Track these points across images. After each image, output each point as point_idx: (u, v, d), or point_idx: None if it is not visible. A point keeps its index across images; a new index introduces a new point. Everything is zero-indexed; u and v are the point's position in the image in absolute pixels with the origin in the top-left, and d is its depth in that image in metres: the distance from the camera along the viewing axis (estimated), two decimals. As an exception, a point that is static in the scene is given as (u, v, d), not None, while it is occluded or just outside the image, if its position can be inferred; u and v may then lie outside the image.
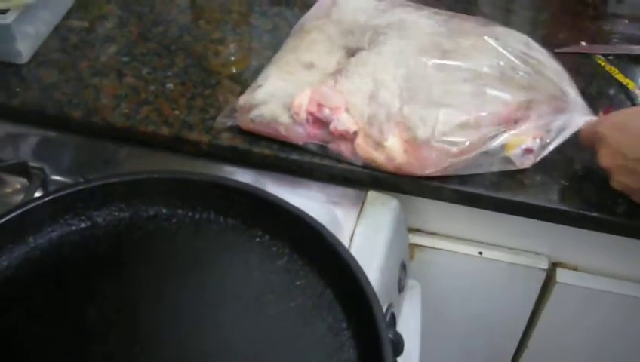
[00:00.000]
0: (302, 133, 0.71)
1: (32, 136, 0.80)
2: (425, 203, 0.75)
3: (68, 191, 0.63)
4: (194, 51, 0.86)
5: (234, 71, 0.83)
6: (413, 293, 0.82)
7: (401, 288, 0.74)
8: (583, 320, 0.85)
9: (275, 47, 0.84)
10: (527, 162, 0.70)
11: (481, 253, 0.80)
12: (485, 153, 0.69)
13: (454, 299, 0.87)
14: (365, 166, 0.71)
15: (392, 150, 0.68)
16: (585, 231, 0.73)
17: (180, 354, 0.55)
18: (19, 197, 0.71)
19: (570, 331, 0.87)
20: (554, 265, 0.81)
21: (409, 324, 0.79)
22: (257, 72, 0.80)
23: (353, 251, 0.67)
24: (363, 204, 0.72)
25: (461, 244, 0.81)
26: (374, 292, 0.54)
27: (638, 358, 0.88)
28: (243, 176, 0.75)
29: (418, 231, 0.82)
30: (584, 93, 0.75)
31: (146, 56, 0.85)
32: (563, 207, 0.70)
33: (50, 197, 0.62)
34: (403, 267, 0.75)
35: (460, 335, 0.92)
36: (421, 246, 0.82)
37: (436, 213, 0.79)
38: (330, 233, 0.59)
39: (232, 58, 0.85)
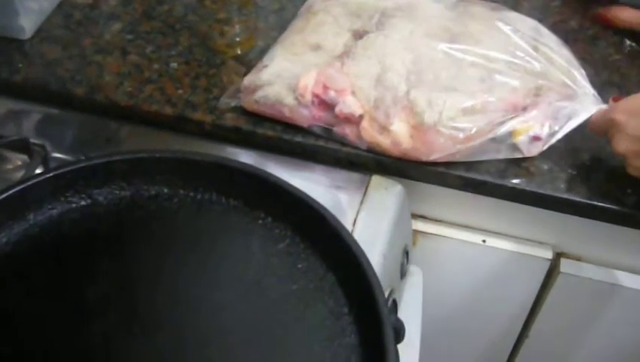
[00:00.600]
0: (306, 115, 0.70)
1: (34, 112, 0.79)
2: (429, 189, 0.74)
3: (69, 168, 0.62)
4: (199, 31, 0.85)
5: (239, 51, 0.82)
6: (415, 280, 0.82)
7: (403, 274, 0.74)
8: (586, 312, 0.85)
9: (282, 27, 0.83)
10: (535, 150, 0.69)
11: (484, 241, 0.80)
12: (492, 140, 0.68)
13: (456, 287, 0.87)
14: (370, 150, 0.70)
15: (397, 134, 0.67)
16: (590, 221, 0.72)
17: (179, 334, 0.54)
18: (19, 174, 0.70)
19: (572, 322, 0.87)
20: (558, 255, 0.81)
21: (410, 311, 0.78)
22: (263, 52, 0.79)
23: (356, 235, 0.66)
24: (367, 188, 0.71)
25: (465, 232, 0.80)
26: (377, 277, 0.54)
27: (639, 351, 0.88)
28: (246, 157, 0.74)
29: (422, 217, 0.81)
30: (594, 81, 0.74)
31: (150, 35, 0.84)
32: (570, 197, 0.69)
33: (51, 174, 0.61)
34: (405, 253, 0.74)
35: (461, 322, 0.92)
36: (424, 232, 0.81)
37: (440, 200, 0.78)
38: (333, 216, 0.58)
39: (238, 38, 0.84)
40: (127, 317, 0.55)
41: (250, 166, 0.63)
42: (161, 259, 0.59)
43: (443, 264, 0.84)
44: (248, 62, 0.80)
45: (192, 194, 0.63)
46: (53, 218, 0.62)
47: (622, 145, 0.63)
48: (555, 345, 0.91)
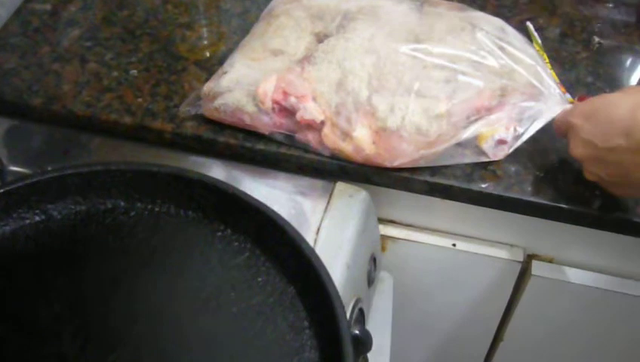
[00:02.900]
0: (267, 122, 0.68)
1: (-10, 124, 0.77)
2: (397, 194, 0.73)
3: (21, 183, 0.60)
4: (160, 36, 0.83)
5: (201, 56, 0.80)
6: (385, 286, 0.80)
7: (370, 281, 0.72)
8: (559, 313, 0.84)
9: (245, 31, 0.81)
10: (501, 153, 0.68)
11: (454, 244, 0.78)
12: (457, 144, 0.67)
13: (428, 291, 0.86)
14: (333, 156, 0.69)
15: (360, 141, 0.66)
16: (561, 223, 0.71)
17: (135, 352, 0.53)
18: (-27, 189, 0.68)
19: (545, 323, 0.86)
20: (529, 257, 0.80)
21: (380, 317, 0.77)
22: (225, 57, 0.77)
23: (319, 245, 0.65)
24: (331, 195, 0.70)
25: (434, 236, 0.79)
26: (337, 292, 0.52)
27: (612, 350, 0.87)
28: (209, 166, 0.73)
29: (391, 222, 0.80)
30: (562, 80, 0.73)
31: (109, 41, 0.82)
32: (537, 200, 0.68)
33: (2, 191, 0.60)
34: (373, 260, 0.73)
35: (435, 327, 0.90)
36: (394, 238, 0.79)
37: (408, 205, 0.77)
38: (292, 228, 0.57)
39: (200, 43, 0.82)
40: (82, 337, 0.53)
41: (209, 177, 0.61)
42: (117, 274, 0.58)
43: (414, 269, 0.83)
44: (210, 68, 0.78)
45: (149, 206, 0.62)
46: (6, 235, 0.60)
47: (577, 149, 0.61)
48: (530, 347, 0.90)
